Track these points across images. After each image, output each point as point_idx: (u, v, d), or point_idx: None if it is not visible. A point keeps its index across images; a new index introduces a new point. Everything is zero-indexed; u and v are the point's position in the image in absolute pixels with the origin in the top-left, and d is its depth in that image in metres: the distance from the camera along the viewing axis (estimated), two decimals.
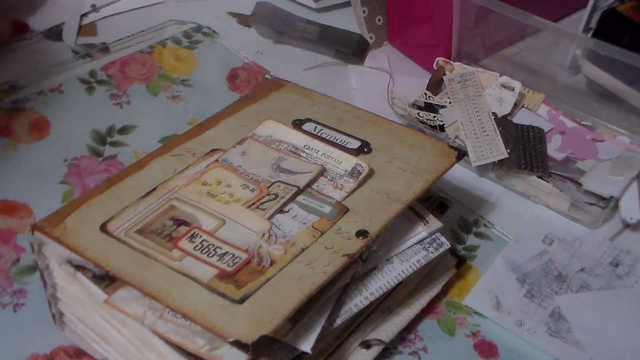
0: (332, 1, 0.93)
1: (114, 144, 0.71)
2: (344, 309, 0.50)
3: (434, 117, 0.74)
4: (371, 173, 0.54)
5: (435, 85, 0.78)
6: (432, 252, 0.55)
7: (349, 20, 0.87)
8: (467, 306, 0.60)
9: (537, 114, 0.76)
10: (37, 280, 0.53)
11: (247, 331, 0.42)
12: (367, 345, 0.54)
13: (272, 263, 0.47)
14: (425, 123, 0.74)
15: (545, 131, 0.73)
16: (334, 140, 0.57)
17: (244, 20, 0.91)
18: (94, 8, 0.89)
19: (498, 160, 0.69)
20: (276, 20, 0.89)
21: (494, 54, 0.84)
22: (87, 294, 0.49)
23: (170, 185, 0.53)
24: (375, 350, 0.54)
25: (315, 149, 0.56)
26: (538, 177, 0.69)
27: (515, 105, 0.75)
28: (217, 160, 0.55)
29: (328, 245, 0.48)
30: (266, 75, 0.82)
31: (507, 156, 0.69)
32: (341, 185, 0.53)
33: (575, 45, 0.80)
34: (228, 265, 0.46)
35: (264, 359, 0.45)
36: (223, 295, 0.44)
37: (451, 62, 0.79)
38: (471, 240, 0.66)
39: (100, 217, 0.50)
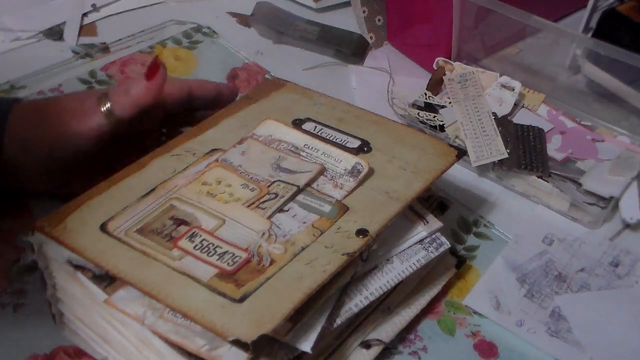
0: (332, 1, 0.93)
1: None
2: (344, 309, 0.50)
3: (434, 117, 0.74)
4: (371, 172, 0.54)
5: (435, 85, 0.78)
6: (432, 252, 0.55)
7: (349, 20, 0.87)
8: (467, 306, 0.60)
9: (537, 114, 0.76)
10: (37, 280, 0.53)
11: (247, 331, 0.42)
12: (367, 345, 0.54)
13: (272, 262, 0.47)
14: (425, 123, 0.74)
15: (545, 131, 0.73)
16: (334, 140, 0.57)
17: (244, 20, 0.91)
18: (94, 8, 0.89)
19: (498, 160, 0.69)
20: (276, 20, 0.89)
21: (494, 54, 0.84)
22: (87, 294, 0.49)
23: (170, 185, 0.53)
24: (375, 350, 0.54)
25: (315, 149, 0.56)
26: (538, 177, 0.69)
27: (515, 105, 0.75)
28: (217, 160, 0.55)
29: (328, 244, 0.48)
30: (266, 75, 0.82)
31: (507, 156, 0.69)
32: (341, 184, 0.53)
33: (575, 45, 0.80)
34: (228, 264, 0.46)
35: (264, 358, 0.45)
36: (223, 295, 0.44)
37: (451, 62, 0.79)
38: (471, 240, 0.66)
39: (100, 217, 0.50)
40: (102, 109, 0.58)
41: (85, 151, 0.59)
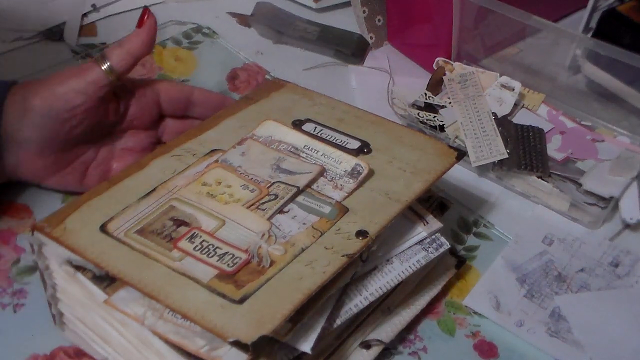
0: (332, 1, 0.93)
1: None
2: (344, 309, 0.50)
3: (434, 117, 0.74)
4: (371, 173, 0.54)
5: (435, 85, 0.78)
6: (432, 253, 0.55)
7: (349, 20, 0.87)
8: (467, 306, 0.60)
9: (537, 114, 0.76)
10: (37, 281, 0.53)
11: (247, 331, 0.42)
12: (367, 345, 0.54)
13: (272, 263, 0.47)
14: (425, 123, 0.74)
15: (545, 131, 0.73)
16: (334, 141, 0.57)
17: (244, 20, 0.91)
18: (94, 8, 0.89)
19: (498, 161, 0.69)
20: (276, 20, 0.89)
21: (494, 54, 0.84)
22: (87, 294, 0.49)
23: (170, 185, 0.53)
24: (375, 350, 0.54)
25: (315, 149, 0.56)
26: (538, 177, 0.69)
27: (515, 105, 0.75)
28: (217, 161, 0.55)
29: (328, 245, 0.48)
30: (266, 76, 0.82)
31: (507, 156, 0.69)
32: (341, 185, 0.53)
33: (575, 45, 0.80)
34: (228, 265, 0.46)
35: (264, 359, 0.45)
36: (223, 296, 0.44)
37: (451, 62, 0.79)
38: (471, 240, 0.66)
39: (100, 217, 0.50)
40: (103, 67, 0.60)
41: (83, 113, 0.59)
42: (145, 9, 0.62)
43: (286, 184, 0.53)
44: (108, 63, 0.59)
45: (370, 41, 0.87)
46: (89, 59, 0.80)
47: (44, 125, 0.59)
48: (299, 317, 0.46)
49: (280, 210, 0.51)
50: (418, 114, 0.74)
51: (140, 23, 0.61)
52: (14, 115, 0.58)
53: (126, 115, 0.64)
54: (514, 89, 0.75)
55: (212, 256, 0.47)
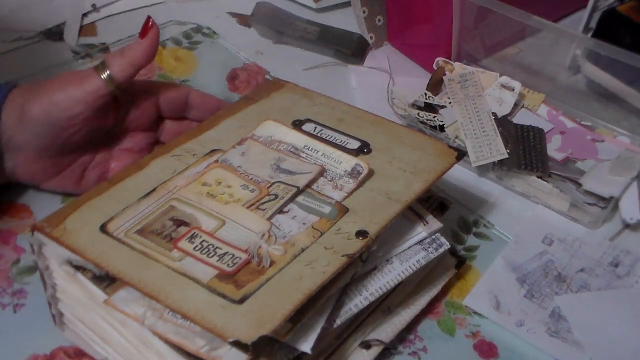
0: (332, 1, 0.93)
1: None
2: (344, 309, 0.50)
3: (434, 117, 0.74)
4: (371, 173, 0.54)
5: (435, 85, 0.78)
6: (432, 253, 0.55)
7: (349, 20, 0.87)
8: (467, 306, 0.60)
9: (537, 114, 0.76)
10: (37, 281, 0.53)
11: (247, 331, 0.42)
12: (367, 345, 0.54)
13: (271, 263, 0.47)
14: (425, 123, 0.74)
15: (545, 131, 0.73)
16: (334, 141, 0.57)
17: (244, 20, 0.91)
18: (94, 8, 0.89)
19: (498, 161, 0.69)
20: (276, 20, 0.89)
21: (494, 54, 0.84)
22: (87, 294, 0.49)
23: (170, 185, 0.53)
24: (375, 350, 0.54)
25: (315, 150, 0.56)
26: (538, 177, 0.69)
27: (515, 105, 0.75)
28: (216, 161, 0.55)
29: (328, 245, 0.48)
30: (266, 76, 0.82)
31: (507, 156, 0.69)
32: (341, 185, 0.53)
33: (575, 45, 0.80)
34: (228, 265, 0.46)
35: (264, 359, 0.45)
36: (223, 296, 0.44)
37: (451, 62, 0.79)
38: (471, 240, 0.66)
39: (100, 217, 0.50)
40: (102, 76, 0.59)
41: (82, 121, 0.59)
42: (149, 18, 0.61)
43: (286, 184, 0.53)
44: (108, 72, 0.59)
45: (370, 41, 0.87)
46: (89, 59, 0.81)
47: (42, 132, 0.58)
48: (299, 317, 0.46)
49: (280, 210, 0.51)
50: (418, 114, 0.74)
51: (143, 32, 0.61)
52: (13, 120, 0.58)
53: (125, 117, 0.64)
54: (514, 89, 0.75)
55: (212, 256, 0.47)
